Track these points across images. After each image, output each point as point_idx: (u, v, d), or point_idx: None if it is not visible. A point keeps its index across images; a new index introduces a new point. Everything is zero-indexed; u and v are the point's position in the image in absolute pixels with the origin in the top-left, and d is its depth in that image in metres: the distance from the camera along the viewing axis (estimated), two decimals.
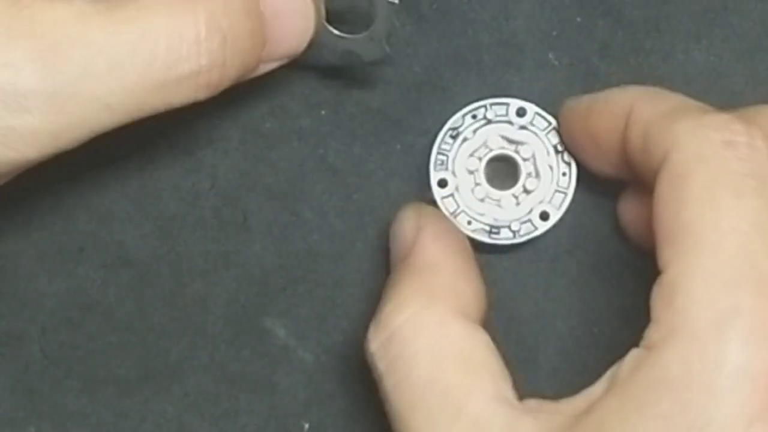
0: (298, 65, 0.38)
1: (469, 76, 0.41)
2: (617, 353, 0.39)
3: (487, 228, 0.39)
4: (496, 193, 0.39)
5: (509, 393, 0.31)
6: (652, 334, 0.29)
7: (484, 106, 0.39)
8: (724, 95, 0.41)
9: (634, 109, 0.33)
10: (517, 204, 0.39)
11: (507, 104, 0.39)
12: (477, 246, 0.38)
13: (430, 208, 0.37)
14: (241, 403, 0.40)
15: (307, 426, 0.40)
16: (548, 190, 0.39)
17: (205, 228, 0.41)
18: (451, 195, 0.39)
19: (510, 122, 0.39)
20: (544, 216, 0.38)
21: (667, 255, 0.30)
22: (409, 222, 0.36)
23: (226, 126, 0.41)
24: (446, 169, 0.39)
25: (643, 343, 0.30)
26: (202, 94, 0.33)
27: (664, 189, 0.31)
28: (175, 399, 0.40)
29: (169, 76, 0.32)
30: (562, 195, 0.39)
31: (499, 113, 0.39)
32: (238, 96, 0.40)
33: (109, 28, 0.32)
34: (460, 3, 0.41)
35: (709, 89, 0.41)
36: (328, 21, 0.37)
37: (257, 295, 0.41)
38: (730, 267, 0.29)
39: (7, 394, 0.40)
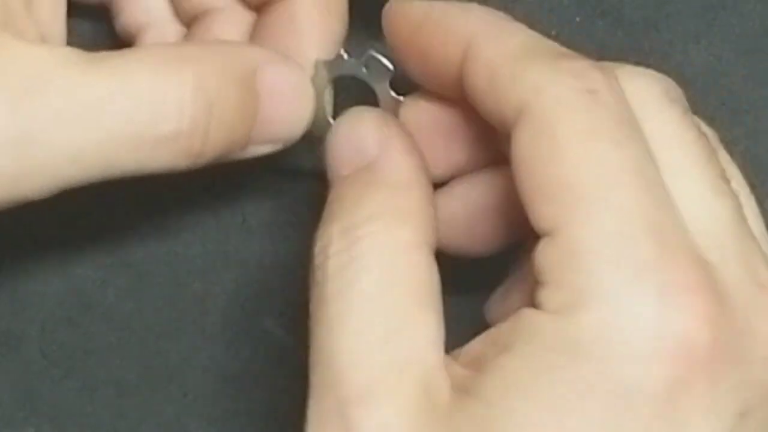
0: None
1: None
2: None
3: None
4: None
5: (441, 342, 0.30)
6: (552, 296, 0.28)
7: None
8: (724, 95, 0.41)
9: (475, 43, 0.31)
10: None
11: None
12: None
13: (394, 119, 0.34)
14: (240, 404, 0.40)
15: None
16: None
17: (204, 228, 0.41)
18: None
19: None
20: None
21: (552, 213, 0.28)
22: (370, 128, 0.33)
23: None
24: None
25: (541, 306, 0.28)
26: (181, 162, 0.32)
27: (527, 142, 0.29)
28: (175, 399, 0.40)
29: (145, 136, 0.31)
30: None
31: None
32: None
33: (88, 79, 0.31)
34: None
35: (708, 89, 0.41)
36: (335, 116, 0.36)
37: (256, 296, 0.41)
38: (629, 222, 0.27)
39: (6, 394, 0.40)
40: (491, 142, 0.34)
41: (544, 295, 0.28)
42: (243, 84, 0.33)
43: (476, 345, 0.30)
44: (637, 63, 0.41)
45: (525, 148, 0.29)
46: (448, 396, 0.28)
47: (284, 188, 0.41)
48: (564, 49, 0.31)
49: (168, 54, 0.32)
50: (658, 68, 0.41)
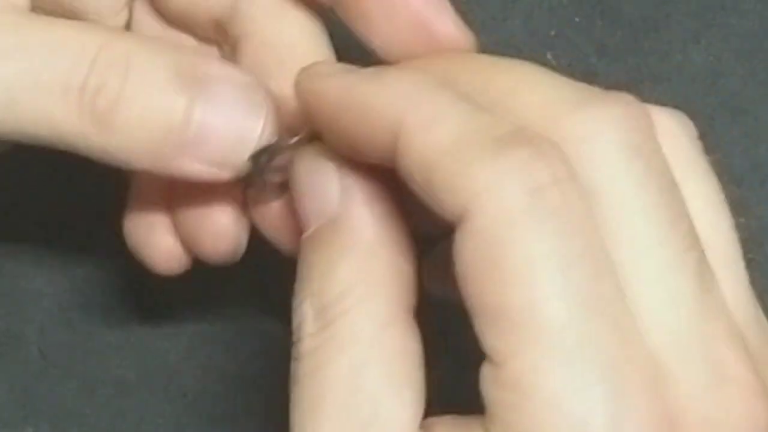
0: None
1: None
2: None
3: None
4: None
5: (420, 416, 0.28)
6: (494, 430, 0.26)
7: None
8: (723, 95, 0.41)
9: (404, 133, 0.27)
10: None
11: None
12: None
13: (351, 161, 0.30)
14: (239, 404, 0.40)
15: None
16: None
17: None
18: None
19: None
20: None
21: (497, 343, 0.26)
22: (329, 175, 0.30)
23: None
24: None
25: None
26: (87, 125, 0.30)
27: (471, 259, 0.26)
28: (174, 399, 0.40)
29: (52, 83, 0.30)
30: None
31: None
32: None
33: (9, 24, 0.30)
34: (458, 3, 0.41)
35: (707, 89, 0.41)
36: None
37: (256, 296, 0.41)
38: (580, 360, 0.26)
39: (5, 394, 0.40)
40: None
41: (489, 429, 0.27)
42: (178, 75, 0.30)
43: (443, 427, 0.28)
44: (637, 63, 0.41)
45: (468, 264, 0.26)
46: None
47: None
48: (503, 129, 0.27)
49: (106, 28, 0.31)
50: (657, 68, 0.41)
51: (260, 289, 0.41)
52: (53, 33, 0.31)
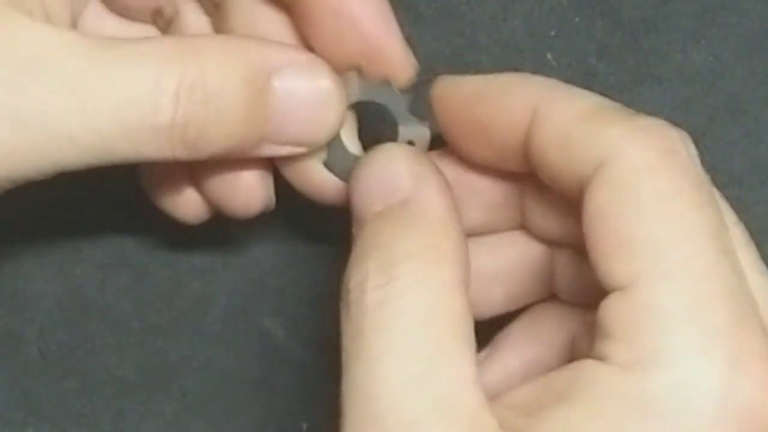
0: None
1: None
2: None
3: None
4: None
5: (479, 381, 0.29)
6: (622, 351, 0.28)
7: None
8: (723, 95, 0.41)
9: (543, 107, 0.31)
10: None
11: None
12: None
13: (426, 155, 0.33)
14: (239, 404, 0.40)
15: (305, 426, 0.40)
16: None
17: (203, 228, 0.41)
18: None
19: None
20: None
21: (627, 270, 0.28)
22: (403, 163, 0.32)
23: None
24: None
25: (608, 359, 0.28)
26: (179, 152, 0.32)
27: (606, 200, 0.29)
28: (174, 399, 0.40)
29: (140, 124, 0.31)
30: None
31: None
32: None
33: (90, 64, 0.30)
34: (459, 3, 0.41)
35: (707, 89, 0.41)
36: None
37: (256, 296, 0.41)
38: (705, 287, 0.28)
39: (5, 394, 0.40)
40: (506, 208, 0.35)
41: (612, 349, 0.28)
42: (251, 83, 0.32)
43: (527, 390, 0.29)
44: (637, 63, 0.41)
45: (602, 203, 0.29)
46: None
47: (283, 189, 0.41)
48: (632, 110, 0.31)
49: (173, 46, 0.32)
50: (657, 68, 0.41)
51: (261, 289, 0.41)
52: (129, 68, 0.31)
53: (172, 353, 0.41)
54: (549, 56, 0.41)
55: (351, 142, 0.35)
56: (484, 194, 0.35)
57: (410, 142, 0.35)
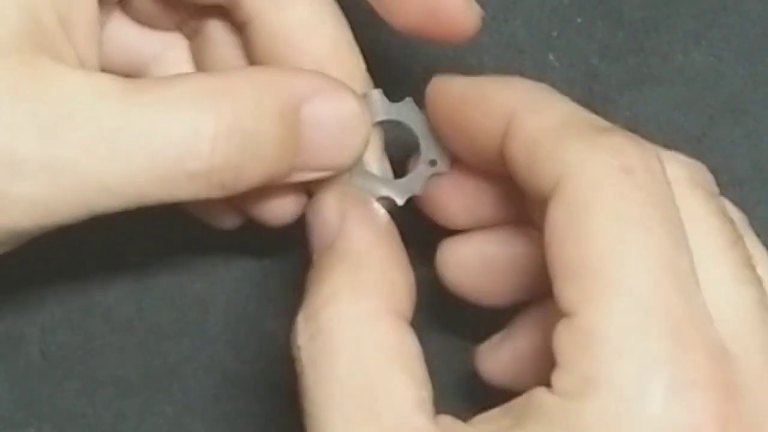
0: None
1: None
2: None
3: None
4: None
5: (428, 405, 0.29)
6: (563, 379, 0.28)
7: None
8: (724, 96, 0.41)
9: (516, 116, 0.31)
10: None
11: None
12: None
13: (352, 192, 0.34)
14: (241, 405, 0.40)
15: None
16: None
17: (205, 229, 0.41)
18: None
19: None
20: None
21: (573, 295, 0.28)
22: (330, 207, 0.33)
23: None
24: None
25: (553, 387, 0.28)
26: (215, 193, 0.31)
27: (560, 219, 0.28)
28: (175, 400, 0.40)
29: (177, 171, 0.30)
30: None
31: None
32: None
33: (123, 110, 0.30)
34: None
35: (708, 90, 0.41)
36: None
37: (257, 297, 0.41)
38: (647, 313, 0.27)
39: (6, 395, 0.40)
40: (517, 203, 0.34)
41: (556, 377, 0.28)
42: (283, 118, 0.32)
43: (495, 414, 0.29)
44: (638, 64, 0.41)
45: (556, 224, 0.29)
46: None
47: None
48: (604, 123, 0.30)
49: (205, 87, 0.31)
50: (658, 69, 0.41)
51: (262, 290, 0.41)
52: (164, 113, 0.31)
53: (173, 354, 0.41)
54: (551, 57, 0.41)
55: (376, 162, 0.35)
56: (493, 190, 0.35)
57: (432, 162, 0.35)
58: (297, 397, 0.40)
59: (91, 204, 0.31)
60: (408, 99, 0.35)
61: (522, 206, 0.34)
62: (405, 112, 0.35)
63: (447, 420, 0.29)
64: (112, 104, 0.30)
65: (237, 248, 0.41)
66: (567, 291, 0.28)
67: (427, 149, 0.35)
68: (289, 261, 0.41)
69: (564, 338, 0.28)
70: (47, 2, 0.31)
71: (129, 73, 0.38)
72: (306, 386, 0.30)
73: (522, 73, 0.41)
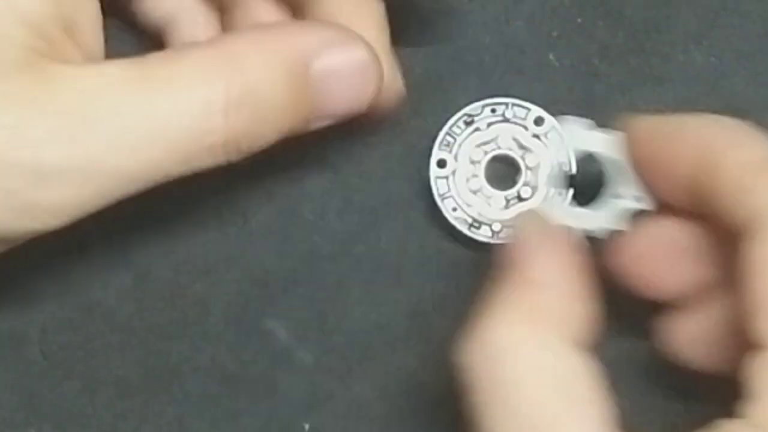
0: None
1: (469, 77, 0.41)
2: (612, 355, 0.39)
3: (469, 220, 0.39)
4: (489, 190, 0.39)
5: (614, 430, 0.29)
6: (755, 412, 0.28)
7: (506, 103, 0.39)
8: (725, 96, 0.41)
9: (718, 148, 0.31)
10: (506, 207, 0.38)
11: (528, 110, 0.39)
12: (456, 236, 0.39)
13: (545, 219, 0.34)
14: (241, 405, 0.40)
15: (307, 427, 0.40)
16: (539, 204, 0.39)
17: (205, 229, 0.41)
18: (446, 177, 0.39)
19: (525, 127, 0.39)
20: None
21: None
22: (521, 231, 0.33)
23: None
24: (450, 151, 0.39)
25: (745, 419, 0.28)
26: (233, 158, 0.33)
27: (763, 253, 0.29)
28: (176, 400, 0.40)
29: (196, 147, 0.32)
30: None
31: (518, 115, 0.39)
32: None
33: (137, 99, 0.31)
34: (461, 4, 0.41)
35: (709, 90, 0.41)
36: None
37: (258, 297, 0.41)
38: None
39: (7, 395, 0.40)
40: (723, 265, 0.34)
41: (746, 408, 0.28)
42: (293, 78, 0.32)
43: None
44: (639, 64, 0.41)
45: (756, 258, 0.29)
46: None
47: (285, 189, 0.41)
48: None
49: (210, 59, 0.32)
50: (659, 69, 0.41)
51: (263, 290, 0.41)
52: (175, 93, 0.31)
53: (173, 354, 0.40)
54: (551, 57, 0.41)
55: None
56: (697, 251, 0.35)
57: (637, 198, 0.36)
58: (297, 398, 0.40)
59: (117, 193, 0.31)
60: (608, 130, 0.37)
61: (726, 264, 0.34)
62: (601, 143, 0.37)
63: None
64: (123, 94, 0.31)
65: (238, 248, 0.41)
66: (763, 322, 0.28)
67: (627, 185, 0.36)
68: (290, 261, 0.41)
69: (756, 369, 0.28)
70: (51, 13, 0.31)
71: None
72: (479, 409, 0.30)
73: (522, 73, 0.41)
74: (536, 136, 0.39)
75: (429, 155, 0.39)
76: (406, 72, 0.41)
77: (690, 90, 0.41)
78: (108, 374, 0.40)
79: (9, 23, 0.30)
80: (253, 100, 0.32)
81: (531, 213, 0.35)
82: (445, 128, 0.39)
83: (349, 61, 0.33)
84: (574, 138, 0.38)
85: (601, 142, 0.38)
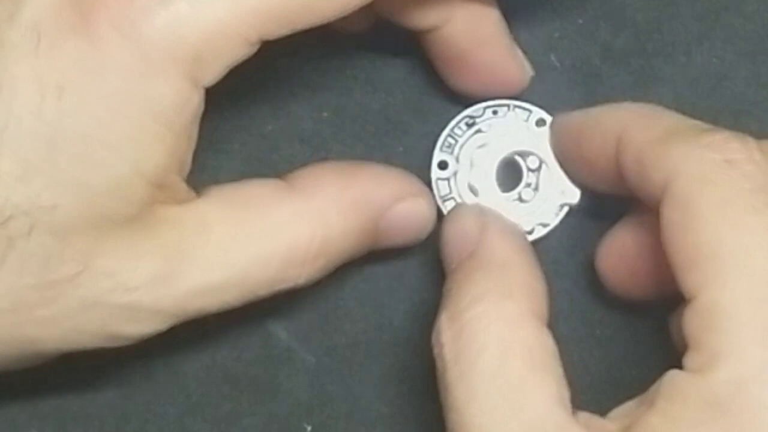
0: None
1: None
2: (619, 354, 0.39)
3: None
4: (491, 191, 0.39)
5: (567, 401, 0.31)
6: (694, 359, 0.29)
7: (507, 105, 0.39)
8: (726, 97, 0.41)
9: (625, 133, 0.33)
10: (508, 209, 0.38)
11: (530, 111, 0.39)
12: None
13: (489, 209, 0.37)
14: (243, 406, 0.40)
15: (309, 428, 0.40)
16: (541, 206, 0.39)
17: None
18: (448, 179, 0.39)
19: (527, 129, 0.39)
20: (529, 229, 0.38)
21: (693, 280, 0.30)
22: (470, 220, 0.36)
23: (228, 128, 0.41)
24: (451, 153, 0.39)
25: (684, 367, 0.30)
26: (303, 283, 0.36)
27: (672, 216, 0.31)
28: (178, 400, 0.40)
29: (267, 291, 0.35)
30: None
31: (519, 116, 0.39)
32: (241, 98, 0.40)
33: (229, 248, 0.34)
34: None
35: (711, 91, 0.41)
36: None
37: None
38: (762, 284, 0.29)
39: (8, 396, 0.40)
40: None
41: (687, 359, 0.30)
42: (366, 228, 0.36)
43: (630, 405, 0.31)
44: (641, 65, 0.41)
45: (670, 220, 0.31)
46: None
47: None
48: (707, 126, 0.33)
49: (300, 213, 0.35)
50: (660, 70, 0.41)
51: None
52: (264, 241, 0.35)
53: (175, 355, 0.40)
54: (553, 58, 0.41)
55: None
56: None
57: (562, 192, 0.39)
58: (299, 398, 0.40)
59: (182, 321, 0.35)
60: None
61: None
62: (533, 141, 0.38)
63: (585, 415, 0.31)
64: (218, 244, 0.34)
65: None
66: (688, 278, 0.30)
67: (553, 180, 0.38)
68: None
69: (690, 321, 0.30)
70: (171, 165, 0.33)
71: None
72: (449, 381, 0.32)
73: None
74: (538, 138, 0.39)
75: (430, 157, 0.39)
76: (408, 73, 0.41)
77: (692, 91, 0.41)
78: (109, 375, 0.40)
79: (135, 186, 0.32)
80: (328, 250, 0.35)
81: (471, 205, 0.38)
82: (447, 130, 0.39)
83: (414, 213, 0.37)
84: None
85: (537, 141, 0.39)
